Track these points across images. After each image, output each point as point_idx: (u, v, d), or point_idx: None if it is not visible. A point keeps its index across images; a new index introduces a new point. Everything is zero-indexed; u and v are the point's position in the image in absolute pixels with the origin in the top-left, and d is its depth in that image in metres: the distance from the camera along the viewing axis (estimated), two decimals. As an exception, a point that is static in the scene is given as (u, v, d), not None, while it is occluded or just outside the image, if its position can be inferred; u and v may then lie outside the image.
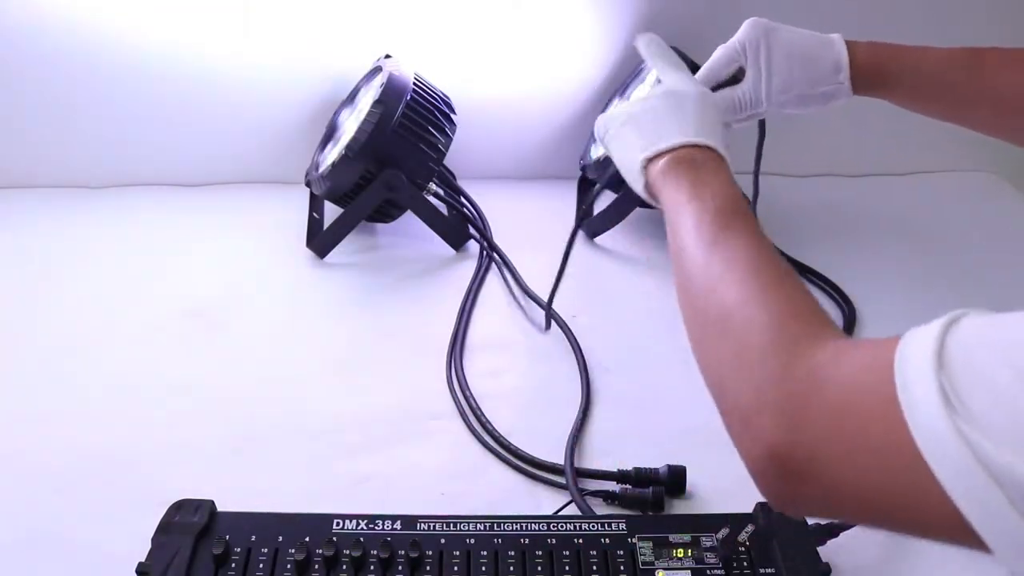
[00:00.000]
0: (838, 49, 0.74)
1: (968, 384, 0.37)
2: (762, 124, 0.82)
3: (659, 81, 0.73)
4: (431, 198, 1.04)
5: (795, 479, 0.43)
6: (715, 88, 0.75)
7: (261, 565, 0.63)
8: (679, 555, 0.65)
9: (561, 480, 0.76)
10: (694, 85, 0.70)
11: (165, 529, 0.65)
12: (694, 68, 0.94)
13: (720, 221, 0.57)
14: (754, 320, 0.48)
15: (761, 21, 0.75)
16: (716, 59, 0.76)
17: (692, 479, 0.76)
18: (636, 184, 0.67)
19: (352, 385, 0.87)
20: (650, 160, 0.65)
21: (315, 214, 1.10)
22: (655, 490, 0.74)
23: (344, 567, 0.63)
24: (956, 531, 0.36)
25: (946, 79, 0.74)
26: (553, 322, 0.95)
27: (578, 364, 0.90)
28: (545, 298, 0.95)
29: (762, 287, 0.51)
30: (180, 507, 0.67)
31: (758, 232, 0.56)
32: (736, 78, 0.76)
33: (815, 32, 0.76)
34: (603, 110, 1.12)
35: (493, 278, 1.04)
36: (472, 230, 1.09)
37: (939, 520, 0.37)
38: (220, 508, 0.67)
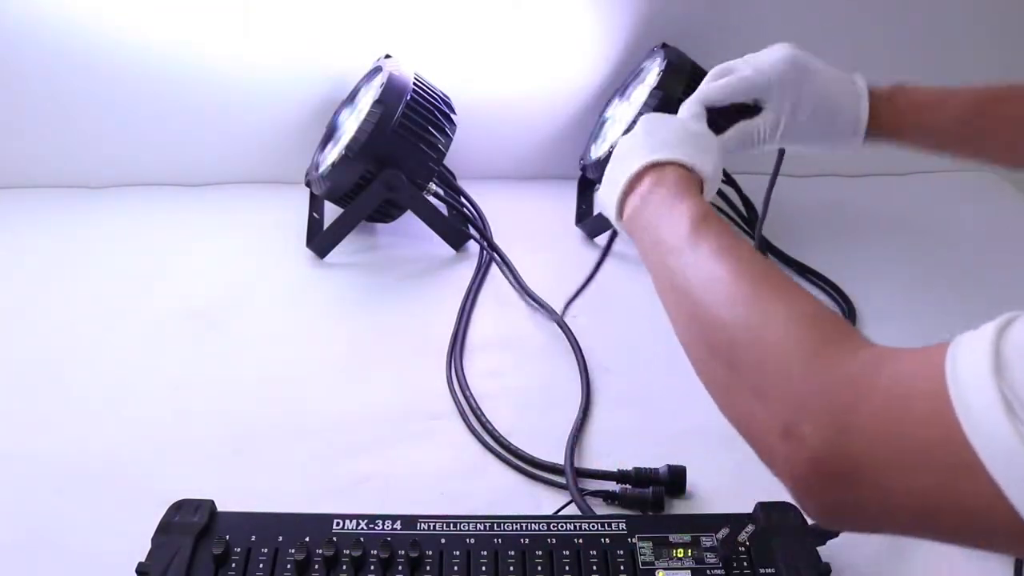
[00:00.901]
0: (862, 106, 0.73)
1: None
2: (780, 153, 0.78)
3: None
4: (431, 198, 1.04)
5: (843, 487, 0.41)
6: (722, 112, 0.72)
7: (261, 565, 0.63)
8: (679, 555, 0.65)
9: (561, 480, 0.76)
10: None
11: (165, 529, 0.65)
12: (695, 69, 0.92)
13: (695, 237, 0.55)
14: (777, 333, 0.47)
15: (798, 57, 0.72)
16: (735, 87, 0.72)
17: (692, 479, 0.76)
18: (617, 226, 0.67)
19: (352, 385, 0.87)
20: (623, 200, 0.65)
21: (315, 214, 1.10)
22: (655, 490, 0.74)
23: (344, 567, 0.63)
24: (1021, 539, 0.36)
25: (961, 133, 0.74)
26: (553, 322, 0.95)
27: (578, 364, 0.90)
28: (545, 297, 0.95)
29: (768, 301, 0.49)
30: (180, 507, 0.67)
31: (735, 240, 0.55)
32: (747, 107, 0.73)
33: (843, 74, 0.73)
34: (603, 110, 1.12)
35: (493, 278, 1.04)
36: (472, 230, 1.09)
37: (1002, 527, 0.36)
38: (220, 508, 0.67)
